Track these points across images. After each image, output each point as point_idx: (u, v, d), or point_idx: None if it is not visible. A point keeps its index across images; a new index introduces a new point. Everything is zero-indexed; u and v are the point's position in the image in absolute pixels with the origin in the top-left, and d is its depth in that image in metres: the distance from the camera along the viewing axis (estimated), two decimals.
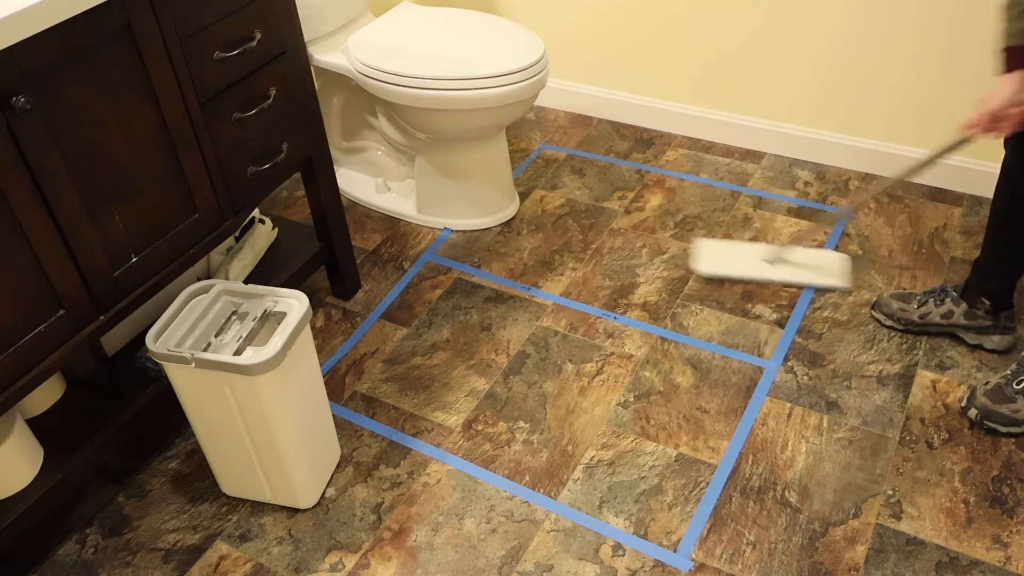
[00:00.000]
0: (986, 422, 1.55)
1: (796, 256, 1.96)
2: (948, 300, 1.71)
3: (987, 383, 1.58)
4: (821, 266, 1.93)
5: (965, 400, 1.59)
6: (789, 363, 1.73)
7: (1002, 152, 1.80)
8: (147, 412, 1.52)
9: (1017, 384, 1.54)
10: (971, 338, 1.72)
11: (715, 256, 1.98)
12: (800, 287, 1.90)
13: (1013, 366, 1.59)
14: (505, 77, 1.85)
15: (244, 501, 1.55)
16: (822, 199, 2.16)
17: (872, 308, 1.82)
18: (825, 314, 1.83)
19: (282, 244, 1.87)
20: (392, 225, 2.21)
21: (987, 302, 1.67)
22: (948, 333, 1.75)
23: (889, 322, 1.78)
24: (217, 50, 1.40)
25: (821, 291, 1.88)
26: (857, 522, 1.44)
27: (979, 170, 2.09)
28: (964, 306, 1.69)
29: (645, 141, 2.44)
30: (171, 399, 1.55)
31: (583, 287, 1.96)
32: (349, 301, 1.98)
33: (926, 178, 2.16)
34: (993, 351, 1.72)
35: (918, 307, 1.74)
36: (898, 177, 1.69)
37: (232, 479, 1.52)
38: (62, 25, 1.14)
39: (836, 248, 2.00)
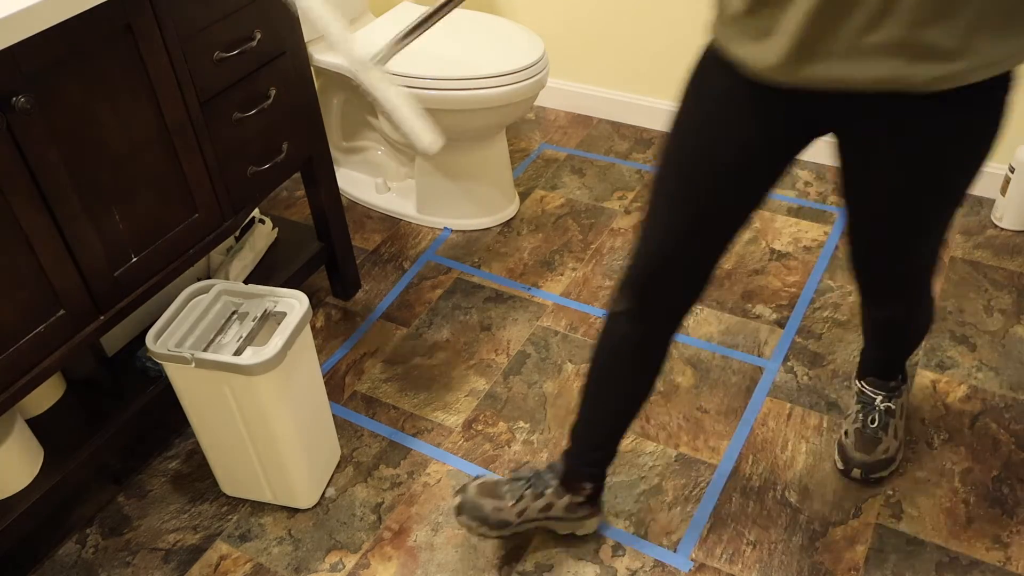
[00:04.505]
0: (871, 476, 1.48)
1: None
2: (548, 492, 1.37)
3: (845, 433, 1.51)
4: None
5: (841, 463, 1.50)
6: (789, 363, 1.73)
7: None
8: (147, 412, 1.52)
9: (871, 423, 1.49)
10: (563, 528, 1.42)
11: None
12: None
13: (855, 405, 1.53)
14: (505, 77, 1.85)
15: (244, 501, 1.55)
16: (822, 199, 2.16)
17: (456, 515, 1.36)
18: (825, 314, 1.83)
19: (282, 244, 1.87)
20: (392, 225, 2.21)
21: (589, 486, 1.37)
22: (541, 528, 1.44)
23: (482, 529, 1.35)
24: (217, 50, 1.40)
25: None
26: (857, 522, 1.44)
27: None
28: (567, 498, 1.37)
29: (645, 141, 2.44)
30: (171, 399, 1.55)
31: (583, 287, 1.96)
32: (349, 301, 1.98)
33: None
34: (585, 535, 1.45)
35: (513, 504, 1.36)
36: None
37: (232, 479, 1.52)
38: (62, 25, 1.14)
39: (835, 248, 2.00)
